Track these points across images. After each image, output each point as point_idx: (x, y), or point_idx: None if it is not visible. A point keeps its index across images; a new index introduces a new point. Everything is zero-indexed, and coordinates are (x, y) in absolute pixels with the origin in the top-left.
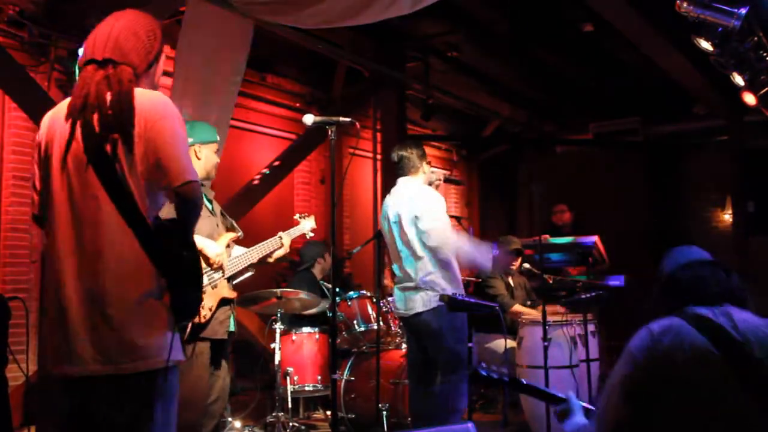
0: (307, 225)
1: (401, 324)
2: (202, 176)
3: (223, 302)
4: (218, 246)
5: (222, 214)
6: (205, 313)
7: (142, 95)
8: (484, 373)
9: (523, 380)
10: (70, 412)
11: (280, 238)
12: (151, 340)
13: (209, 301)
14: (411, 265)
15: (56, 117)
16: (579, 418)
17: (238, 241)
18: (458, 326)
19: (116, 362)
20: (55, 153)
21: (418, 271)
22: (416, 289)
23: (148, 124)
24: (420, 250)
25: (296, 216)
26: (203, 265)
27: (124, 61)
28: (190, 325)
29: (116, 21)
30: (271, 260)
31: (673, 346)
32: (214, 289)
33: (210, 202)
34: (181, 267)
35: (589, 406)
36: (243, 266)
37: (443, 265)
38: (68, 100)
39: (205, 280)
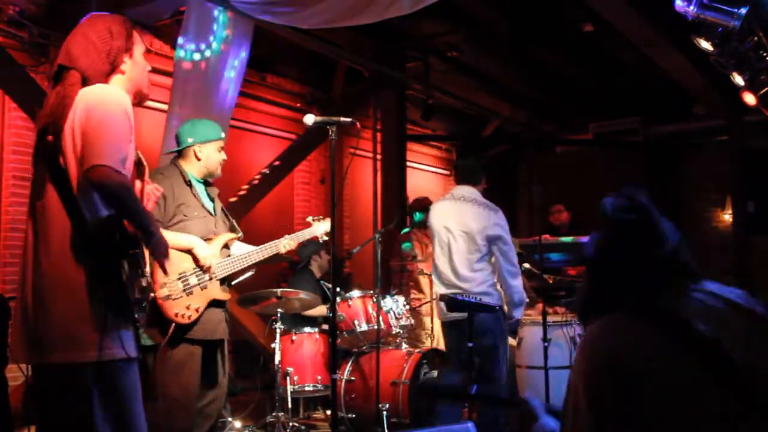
0: (320, 228)
1: (401, 324)
2: (202, 175)
3: (215, 303)
4: (208, 248)
5: (225, 214)
6: (190, 313)
7: (87, 91)
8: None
9: (473, 390)
10: (35, 401)
11: (287, 241)
12: (86, 333)
13: (196, 302)
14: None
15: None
16: (547, 420)
17: (245, 240)
18: None
19: (47, 353)
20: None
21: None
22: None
23: (83, 115)
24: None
25: (309, 218)
26: (192, 265)
27: (72, 66)
28: (173, 325)
29: (76, 29)
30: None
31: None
32: (204, 290)
33: (212, 200)
34: (116, 258)
35: (549, 405)
36: (239, 268)
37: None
38: None
39: (194, 280)
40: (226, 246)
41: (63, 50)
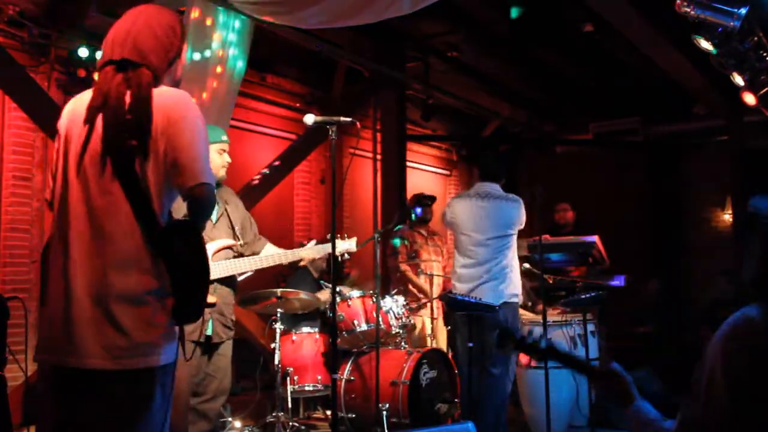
0: (342, 246)
1: (402, 324)
2: None
3: None
4: None
5: (229, 218)
6: None
7: (161, 94)
8: (518, 336)
9: (559, 348)
10: (64, 404)
11: (307, 252)
12: (150, 338)
13: None
14: None
15: (77, 111)
16: (647, 407)
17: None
18: None
19: (116, 358)
20: (72, 148)
21: None
22: None
23: (168, 122)
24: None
25: (336, 236)
26: None
27: (143, 63)
28: None
29: (135, 18)
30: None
31: None
32: None
33: (217, 203)
34: (184, 269)
35: (634, 380)
36: (226, 275)
37: None
38: (89, 93)
39: None
40: (231, 249)
41: (124, 41)
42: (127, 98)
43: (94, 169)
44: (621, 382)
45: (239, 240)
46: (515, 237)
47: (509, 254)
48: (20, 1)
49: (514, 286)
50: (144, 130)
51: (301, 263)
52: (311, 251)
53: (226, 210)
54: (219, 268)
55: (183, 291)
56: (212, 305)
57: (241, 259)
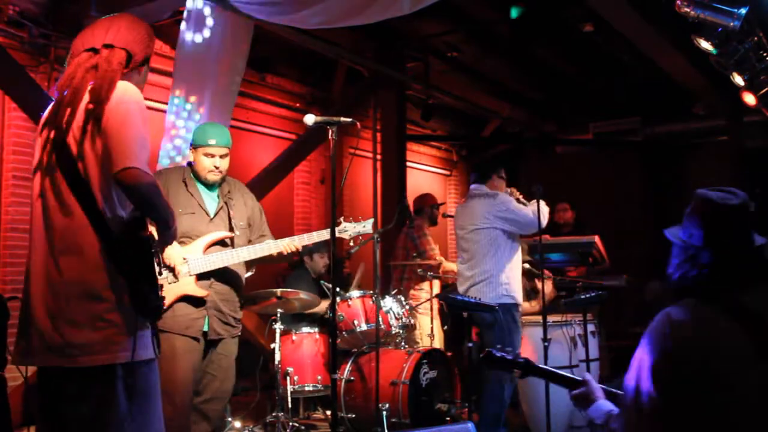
0: (354, 229)
1: (401, 324)
2: (200, 177)
3: (188, 300)
4: (173, 249)
5: (229, 213)
6: None
7: (117, 86)
8: (497, 354)
9: (537, 364)
10: (42, 403)
11: (287, 243)
12: (105, 335)
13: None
14: None
15: (49, 111)
16: (603, 403)
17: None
18: None
19: (72, 355)
20: (38, 150)
21: None
22: None
23: (107, 112)
24: None
25: (348, 219)
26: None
27: (123, 47)
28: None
29: (118, 18)
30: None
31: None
32: (173, 285)
33: (218, 199)
34: (133, 261)
35: (610, 389)
36: (220, 266)
37: None
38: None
39: (164, 274)
40: (223, 243)
41: (110, 31)
42: (90, 84)
43: (48, 161)
44: (589, 388)
45: (234, 232)
46: (502, 236)
47: (495, 254)
48: (20, 1)
49: (503, 289)
50: (101, 106)
51: (305, 244)
52: (310, 237)
53: (226, 204)
54: (211, 260)
55: (134, 284)
56: (203, 301)
57: (232, 250)
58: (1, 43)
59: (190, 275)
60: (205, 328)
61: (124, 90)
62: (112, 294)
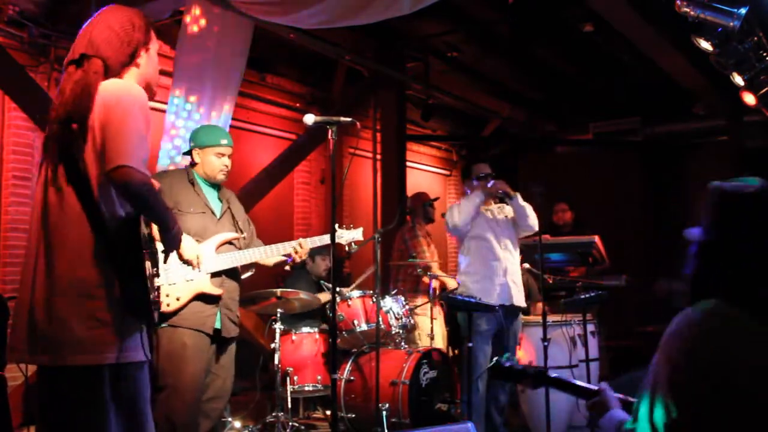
0: (348, 236)
1: (401, 324)
2: (206, 177)
3: (204, 298)
4: (193, 244)
5: (232, 215)
6: (169, 302)
7: (107, 85)
8: (506, 365)
9: (550, 373)
10: (41, 402)
11: (299, 245)
12: (95, 335)
13: (179, 292)
14: None
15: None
16: (618, 413)
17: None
18: None
19: (61, 353)
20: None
21: None
22: None
23: (103, 109)
24: None
25: (341, 226)
26: (175, 258)
27: (95, 54)
28: (156, 314)
29: (95, 19)
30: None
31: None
32: (190, 282)
33: (220, 201)
34: (125, 260)
35: (625, 398)
36: (234, 265)
37: None
38: None
39: (177, 272)
40: (231, 244)
41: (83, 39)
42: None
43: (49, 164)
44: (603, 397)
45: (240, 234)
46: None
47: (471, 251)
48: (20, 1)
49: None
50: (82, 114)
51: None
52: (312, 241)
53: (229, 208)
54: (223, 259)
55: (125, 283)
56: (216, 299)
57: (245, 250)
58: (1, 43)
59: (207, 273)
60: (218, 326)
61: (127, 90)
62: (104, 292)
